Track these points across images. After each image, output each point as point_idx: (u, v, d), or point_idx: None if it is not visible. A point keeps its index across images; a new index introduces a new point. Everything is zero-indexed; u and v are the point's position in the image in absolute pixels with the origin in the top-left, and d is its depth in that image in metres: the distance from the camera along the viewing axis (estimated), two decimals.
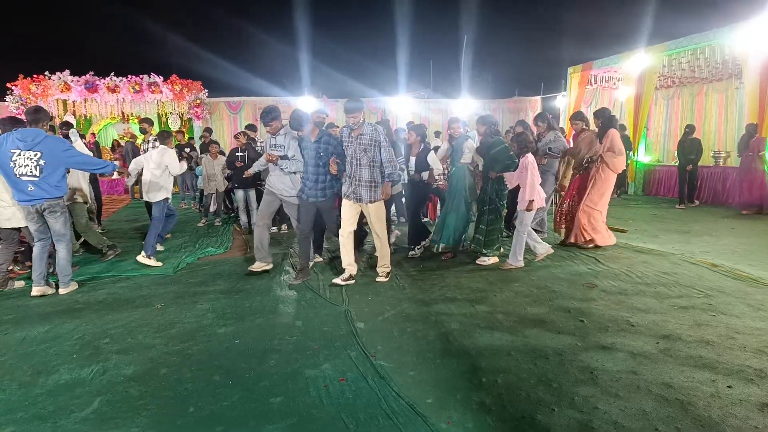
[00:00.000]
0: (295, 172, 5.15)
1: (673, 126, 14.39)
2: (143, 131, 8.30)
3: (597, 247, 6.26)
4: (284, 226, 7.94)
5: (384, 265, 5.15)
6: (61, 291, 4.90)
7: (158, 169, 6.06)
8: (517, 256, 5.46)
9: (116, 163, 7.35)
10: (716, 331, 3.63)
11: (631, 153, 12.30)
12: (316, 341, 3.62)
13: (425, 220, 6.87)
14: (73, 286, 5.02)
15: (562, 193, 6.85)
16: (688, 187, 10.10)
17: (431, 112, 17.54)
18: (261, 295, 4.74)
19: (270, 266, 5.50)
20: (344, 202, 5.02)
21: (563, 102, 15.45)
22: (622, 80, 12.94)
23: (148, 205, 6.60)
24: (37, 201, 4.63)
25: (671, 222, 8.24)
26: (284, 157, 5.10)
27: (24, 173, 4.54)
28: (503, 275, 5.23)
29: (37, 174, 4.56)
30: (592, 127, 6.66)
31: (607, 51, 12.71)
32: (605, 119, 6.28)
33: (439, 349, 3.45)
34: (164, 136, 6.38)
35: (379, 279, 5.10)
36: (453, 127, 6.01)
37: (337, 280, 5.00)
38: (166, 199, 6.18)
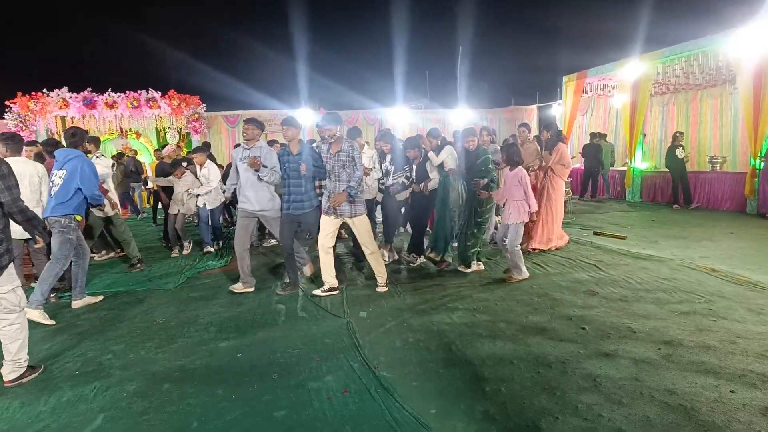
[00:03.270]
0: (271, 183, 5.09)
1: (669, 132, 14.45)
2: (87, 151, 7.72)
3: (558, 248, 6.74)
4: None
5: (380, 274, 5.18)
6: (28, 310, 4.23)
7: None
8: (521, 269, 5.31)
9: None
10: (717, 336, 3.64)
11: (627, 160, 12.43)
12: (318, 353, 3.62)
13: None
14: (35, 311, 4.47)
15: None
16: (679, 189, 10.76)
17: (428, 122, 17.58)
18: (262, 309, 4.75)
19: (252, 290, 5.35)
20: (323, 217, 5.04)
21: (559, 110, 15.54)
22: (617, 88, 13.04)
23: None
24: (48, 216, 4.69)
25: (670, 227, 8.26)
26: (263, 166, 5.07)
27: (52, 191, 4.73)
28: (504, 284, 5.24)
29: (54, 191, 4.70)
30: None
31: (601, 59, 12.84)
32: (555, 134, 6.90)
33: (442, 359, 3.45)
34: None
35: (378, 289, 5.13)
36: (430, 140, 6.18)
37: (318, 292, 5.02)
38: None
